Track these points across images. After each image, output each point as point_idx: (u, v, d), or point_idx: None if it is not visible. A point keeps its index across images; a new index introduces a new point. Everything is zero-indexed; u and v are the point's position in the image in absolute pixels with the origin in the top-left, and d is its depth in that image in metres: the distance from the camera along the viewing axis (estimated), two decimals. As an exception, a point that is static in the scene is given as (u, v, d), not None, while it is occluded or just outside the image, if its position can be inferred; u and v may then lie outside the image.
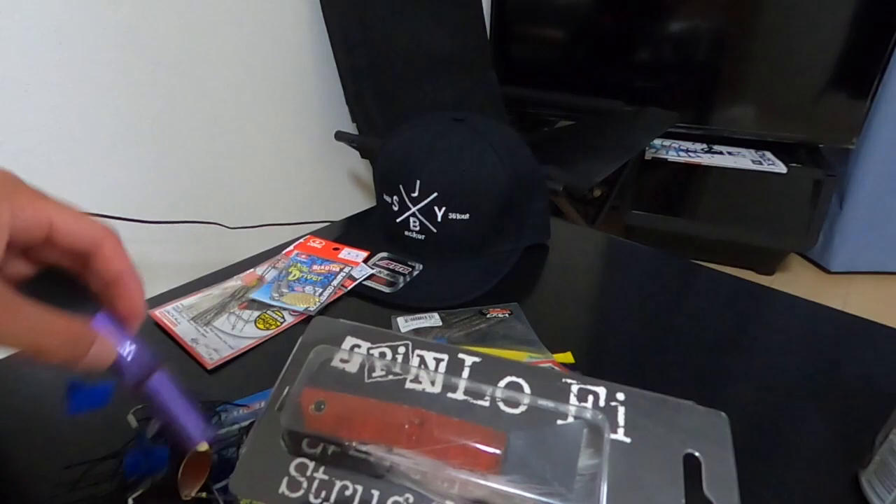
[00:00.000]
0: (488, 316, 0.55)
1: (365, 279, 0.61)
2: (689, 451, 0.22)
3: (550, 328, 0.54)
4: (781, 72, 1.68)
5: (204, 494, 0.35)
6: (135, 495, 0.35)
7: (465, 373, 0.24)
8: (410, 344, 0.25)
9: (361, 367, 0.24)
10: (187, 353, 0.51)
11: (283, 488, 0.21)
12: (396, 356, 0.24)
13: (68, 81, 0.95)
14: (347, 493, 0.21)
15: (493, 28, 1.83)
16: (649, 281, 0.64)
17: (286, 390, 0.24)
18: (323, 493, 0.21)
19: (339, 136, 1.36)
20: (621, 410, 0.23)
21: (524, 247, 0.67)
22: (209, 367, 0.49)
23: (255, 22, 1.24)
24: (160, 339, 0.53)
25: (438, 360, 0.24)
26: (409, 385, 0.23)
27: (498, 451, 0.21)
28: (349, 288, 0.60)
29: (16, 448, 0.42)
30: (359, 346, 0.25)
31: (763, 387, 0.48)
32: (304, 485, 0.21)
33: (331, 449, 0.22)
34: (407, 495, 0.20)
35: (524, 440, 0.21)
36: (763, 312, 0.59)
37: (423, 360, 0.24)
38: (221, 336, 0.53)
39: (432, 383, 0.23)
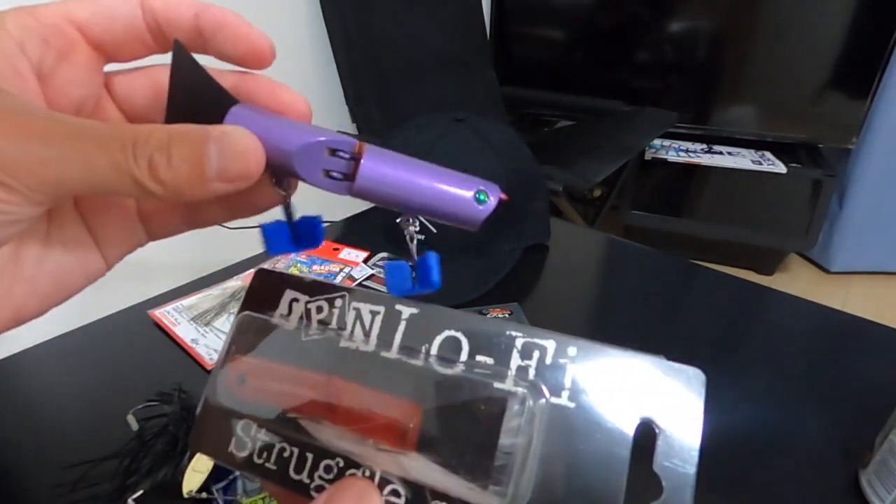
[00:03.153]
0: (488, 316, 0.55)
1: (365, 279, 0.61)
2: (647, 417, 0.19)
3: (550, 328, 0.54)
4: (781, 72, 1.68)
5: (204, 494, 0.35)
6: (135, 496, 0.35)
7: (402, 327, 0.22)
8: (347, 296, 0.23)
9: (298, 326, 0.23)
10: (187, 353, 0.51)
11: (231, 447, 0.22)
12: (333, 309, 0.23)
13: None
14: (285, 454, 0.21)
15: (493, 28, 1.83)
16: (649, 281, 0.64)
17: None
18: (265, 454, 0.21)
19: (339, 136, 1.36)
20: (570, 368, 0.20)
21: (524, 247, 0.67)
22: (209, 368, 0.49)
23: (254, 22, 1.24)
24: (160, 340, 0.53)
25: (375, 314, 0.22)
26: (343, 343, 0.22)
27: (411, 426, 0.19)
28: (349, 288, 0.60)
29: (16, 448, 0.42)
30: (297, 301, 0.23)
31: (763, 386, 0.48)
32: (249, 445, 0.21)
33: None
34: (338, 459, 0.20)
35: (441, 414, 0.19)
36: (763, 312, 0.59)
37: (359, 314, 0.22)
38: (221, 336, 0.53)
39: (366, 341, 0.22)
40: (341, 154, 0.19)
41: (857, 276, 1.86)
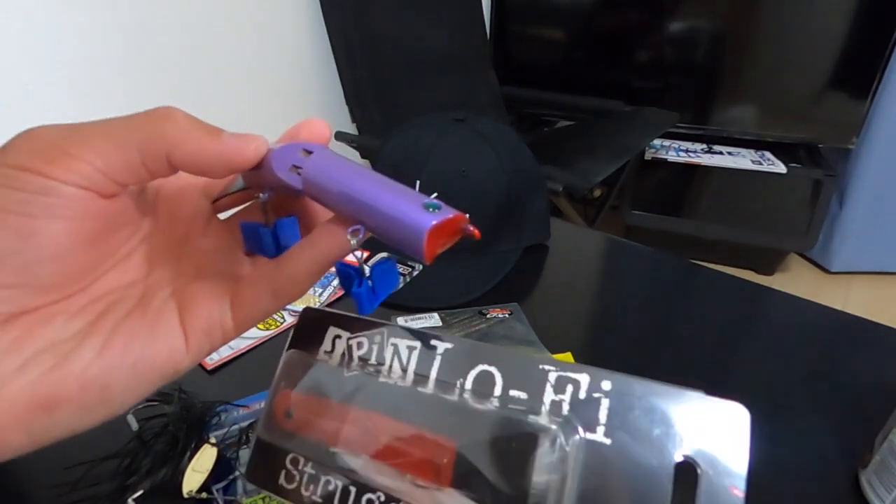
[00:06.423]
0: (488, 316, 0.55)
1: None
2: (686, 456, 0.18)
3: (550, 328, 0.54)
4: (781, 72, 1.68)
5: (204, 494, 0.35)
6: (135, 496, 0.35)
7: (437, 362, 0.22)
8: (385, 332, 0.24)
9: (341, 361, 0.24)
10: (187, 353, 0.51)
11: (281, 480, 0.23)
12: (373, 345, 0.24)
13: (68, 80, 0.95)
14: (330, 487, 0.22)
15: (493, 28, 1.83)
16: (649, 281, 0.64)
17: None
18: (311, 487, 0.22)
19: (339, 136, 1.36)
20: (604, 403, 0.19)
21: (524, 247, 0.67)
22: (209, 368, 0.49)
23: (254, 22, 1.24)
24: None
25: (411, 349, 0.23)
26: (382, 379, 0.23)
27: (444, 462, 0.20)
28: (349, 288, 0.60)
29: (16, 448, 0.41)
30: (339, 337, 0.25)
31: (763, 387, 0.48)
32: (297, 478, 0.23)
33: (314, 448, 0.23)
34: (379, 493, 0.21)
35: (475, 450, 0.19)
36: (763, 312, 0.59)
37: (396, 349, 0.23)
38: (221, 336, 0.53)
39: (403, 377, 0.23)
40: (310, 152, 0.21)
41: (857, 276, 1.86)
